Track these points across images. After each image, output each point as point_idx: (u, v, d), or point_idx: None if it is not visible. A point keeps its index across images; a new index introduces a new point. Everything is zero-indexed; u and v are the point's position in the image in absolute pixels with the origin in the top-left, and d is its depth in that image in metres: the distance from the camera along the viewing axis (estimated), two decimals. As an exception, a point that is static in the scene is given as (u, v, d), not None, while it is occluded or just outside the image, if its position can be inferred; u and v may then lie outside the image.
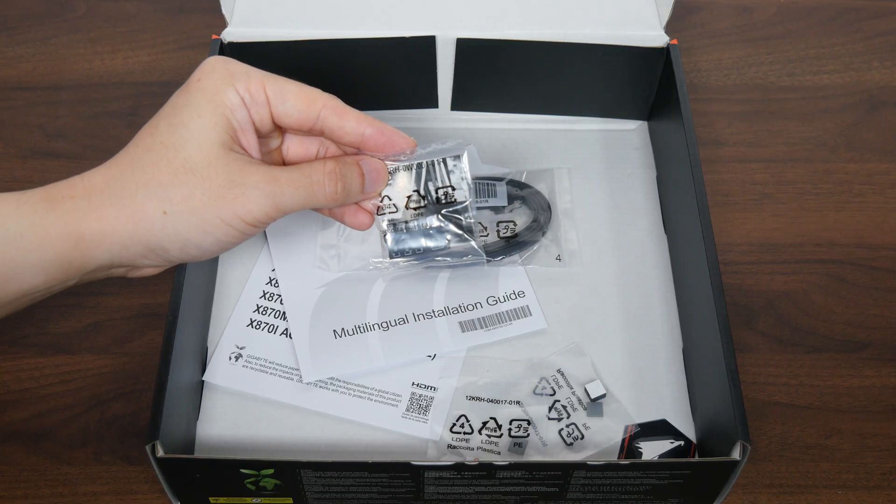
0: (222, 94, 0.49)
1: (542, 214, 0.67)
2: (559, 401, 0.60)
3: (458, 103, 0.73)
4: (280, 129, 0.54)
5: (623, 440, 0.59)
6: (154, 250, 0.48)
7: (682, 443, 0.58)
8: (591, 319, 0.64)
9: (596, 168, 0.71)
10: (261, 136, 0.52)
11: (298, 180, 0.49)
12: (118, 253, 0.47)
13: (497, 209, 0.68)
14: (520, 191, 0.68)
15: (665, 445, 0.58)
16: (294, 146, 0.54)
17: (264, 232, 0.67)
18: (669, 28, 0.68)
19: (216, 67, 0.50)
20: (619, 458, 0.58)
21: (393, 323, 0.63)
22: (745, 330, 0.65)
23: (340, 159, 0.52)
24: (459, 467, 0.51)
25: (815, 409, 0.62)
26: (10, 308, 0.48)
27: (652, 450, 0.58)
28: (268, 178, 0.48)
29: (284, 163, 0.54)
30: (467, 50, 0.68)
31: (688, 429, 0.59)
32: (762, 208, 0.71)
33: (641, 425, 0.59)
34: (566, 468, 0.51)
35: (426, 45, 0.68)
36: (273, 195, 0.48)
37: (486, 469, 0.51)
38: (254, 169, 0.48)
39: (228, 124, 0.49)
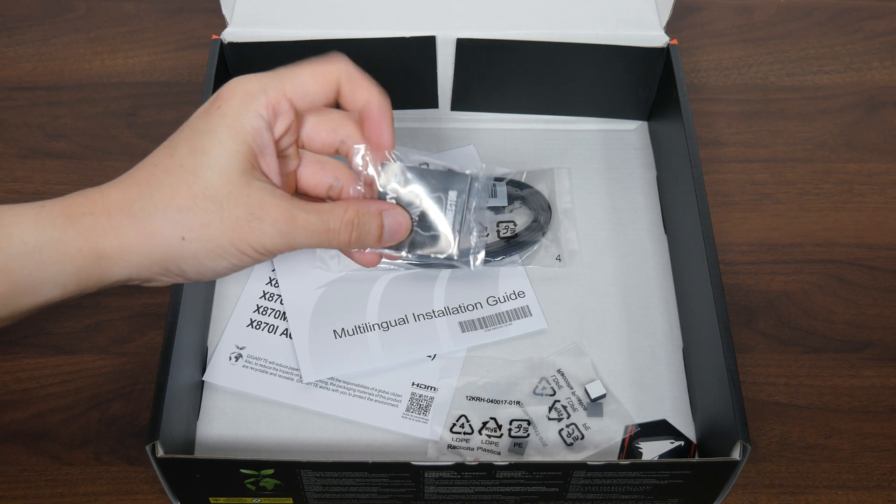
0: (243, 120, 0.49)
1: (542, 214, 0.67)
2: (559, 401, 0.60)
3: (459, 103, 0.73)
4: (297, 149, 0.54)
5: (623, 440, 0.59)
6: (171, 270, 0.48)
7: (682, 443, 0.58)
8: (591, 319, 0.64)
9: (596, 168, 0.71)
10: (283, 148, 0.52)
11: (315, 224, 0.50)
12: (136, 271, 0.48)
13: (497, 209, 0.68)
14: (520, 191, 0.68)
15: (665, 445, 0.58)
16: (307, 175, 0.54)
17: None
18: (669, 28, 0.68)
19: (235, 91, 0.50)
20: (619, 458, 0.58)
21: (393, 323, 0.63)
22: (745, 330, 0.65)
23: (363, 207, 0.52)
24: (459, 467, 0.51)
25: (815, 409, 0.62)
26: (25, 316, 0.48)
27: (652, 450, 0.58)
28: (286, 216, 0.48)
29: (297, 188, 0.55)
30: (467, 50, 0.68)
31: (688, 429, 0.59)
32: (762, 208, 0.71)
33: (641, 425, 0.59)
34: (566, 468, 0.51)
35: (426, 45, 0.68)
36: (288, 234, 0.49)
37: (487, 469, 0.51)
38: (274, 203, 0.49)
39: (249, 150, 0.49)
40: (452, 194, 0.54)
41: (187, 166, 0.48)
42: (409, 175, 0.54)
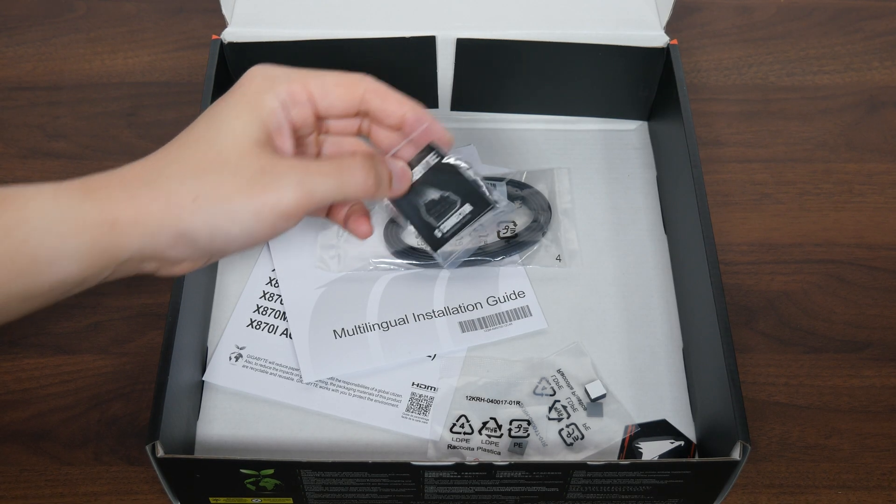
0: (261, 99, 0.50)
1: (542, 214, 0.67)
2: (559, 401, 0.60)
3: (458, 103, 0.73)
4: (318, 131, 0.55)
5: (623, 440, 0.59)
6: (182, 237, 0.48)
7: (682, 443, 0.58)
8: (591, 319, 0.64)
9: (596, 168, 0.71)
10: (301, 136, 0.53)
11: (330, 169, 0.50)
12: (148, 241, 0.48)
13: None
14: (520, 191, 0.68)
15: (665, 445, 0.58)
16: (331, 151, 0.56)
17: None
18: (669, 28, 0.68)
19: (256, 75, 0.51)
20: (619, 458, 0.58)
21: (393, 323, 0.63)
22: (745, 330, 0.65)
23: (369, 154, 0.53)
24: (459, 467, 0.51)
25: (815, 409, 0.62)
26: (43, 301, 0.48)
27: (652, 450, 0.58)
28: (299, 167, 0.49)
29: None
30: (467, 50, 0.68)
31: (688, 429, 0.59)
32: (762, 208, 0.71)
33: (641, 425, 0.59)
34: (566, 468, 0.51)
35: (426, 45, 0.68)
36: (303, 183, 0.49)
37: (487, 469, 0.51)
38: (285, 161, 0.49)
39: (265, 125, 0.50)
40: (467, 207, 0.57)
41: (202, 138, 0.49)
42: (443, 169, 0.56)
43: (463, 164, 0.57)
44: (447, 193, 0.57)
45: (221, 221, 0.48)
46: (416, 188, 0.56)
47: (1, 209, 0.45)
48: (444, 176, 0.56)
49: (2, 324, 0.47)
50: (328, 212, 0.57)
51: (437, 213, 0.57)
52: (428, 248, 0.58)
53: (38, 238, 0.45)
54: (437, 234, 0.57)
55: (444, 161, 0.56)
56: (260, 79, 0.51)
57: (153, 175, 0.48)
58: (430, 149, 0.55)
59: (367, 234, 0.56)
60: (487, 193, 0.57)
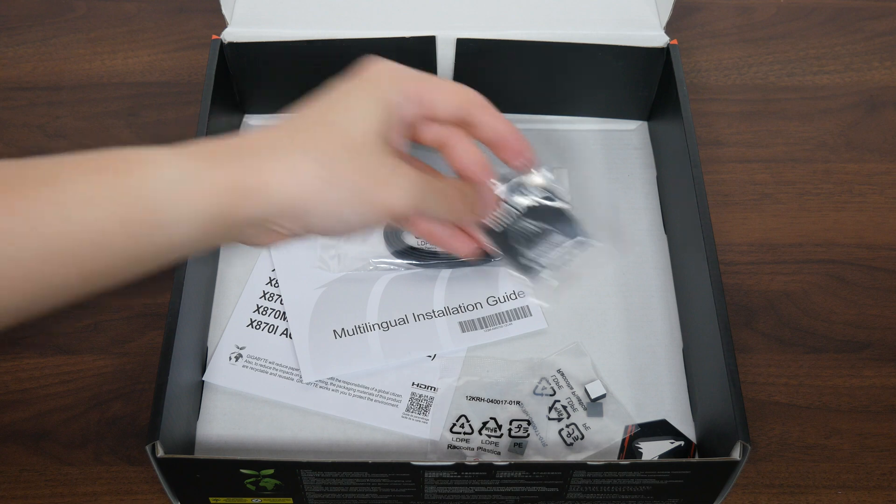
0: (385, 91, 0.51)
1: (542, 214, 0.67)
2: (559, 401, 0.60)
3: (458, 103, 0.73)
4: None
5: (623, 440, 0.59)
6: (299, 212, 0.48)
7: (682, 443, 0.58)
8: (591, 319, 0.64)
9: (596, 168, 0.71)
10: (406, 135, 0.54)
11: (446, 190, 0.52)
12: (267, 210, 0.47)
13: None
14: (520, 191, 0.68)
15: (665, 445, 0.58)
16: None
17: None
18: (669, 28, 0.68)
19: (380, 67, 0.52)
20: (619, 458, 0.58)
21: (393, 323, 0.63)
22: (745, 330, 0.65)
23: (481, 182, 0.54)
24: (459, 467, 0.51)
25: (815, 409, 0.62)
26: (154, 265, 0.47)
27: (652, 450, 0.58)
28: (418, 177, 0.50)
29: None
30: (467, 50, 0.68)
31: (688, 429, 0.59)
32: (762, 208, 0.71)
33: (641, 425, 0.59)
34: (566, 468, 0.51)
35: (426, 45, 0.68)
36: (420, 194, 0.50)
37: (486, 469, 0.51)
38: (406, 165, 0.50)
39: (387, 118, 0.50)
40: (559, 237, 0.57)
41: (327, 119, 0.49)
42: (540, 198, 0.56)
43: (556, 197, 0.57)
44: (539, 223, 0.57)
45: (342, 206, 0.48)
46: (509, 216, 0.56)
47: (123, 171, 0.45)
48: (535, 204, 0.56)
49: (113, 287, 0.45)
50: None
51: (527, 241, 0.57)
52: (523, 277, 0.58)
53: (160, 197, 0.45)
54: (525, 261, 0.57)
55: (536, 187, 0.56)
56: (387, 74, 0.51)
57: (280, 146, 0.47)
58: (521, 173, 0.56)
59: (472, 251, 0.56)
60: (577, 222, 0.57)
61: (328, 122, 0.49)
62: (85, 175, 0.45)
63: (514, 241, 0.57)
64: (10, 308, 0.44)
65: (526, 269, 0.57)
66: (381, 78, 0.51)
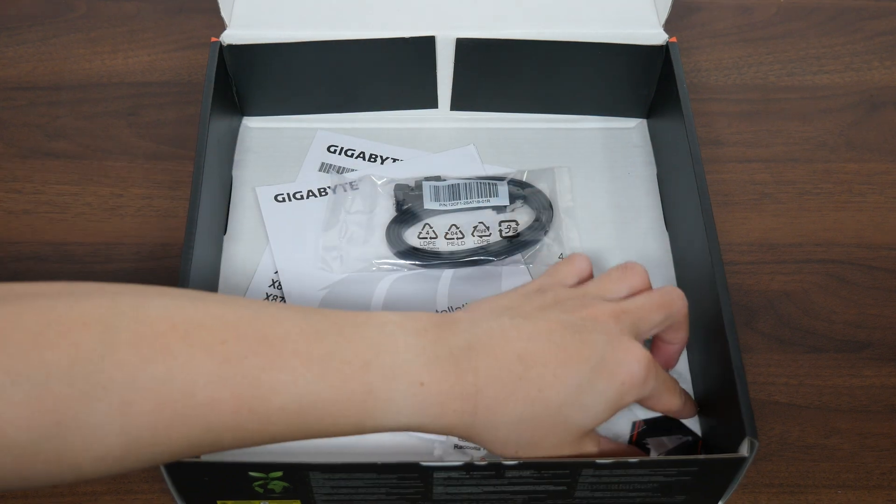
0: (626, 398, 0.50)
1: (543, 213, 0.67)
2: (560, 401, 0.60)
3: (458, 103, 0.73)
4: None
5: (630, 437, 0.58)
6: (469, 435, 0.50)
7: (689, 437, 0.58)
8: (592, 319, 0.64)
9: (597, 166, 0.71)
10: None
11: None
12: (466, 437, 0.49)
13: (499, 209, 0.68)
14: (521, 190, 0.68)
15: (674, 441, 0.58)
16: None
17: (266, 234, 0.67)
18: (669, 28, 0.68)
19: (636, 374, 0.49)
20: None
21: (393, 323, 0.63)
22: (745, 330, 0.65)
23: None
24: (469, 467, 0.51)
25: (815, 408, 0.62)
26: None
27: (660, 446, 0.58)
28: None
29: None
30: (467, 50, 0.69)
31: (692, 426, 0.59)
32: (762, 208, 0.71)
33: (648, 421, 0.59)
34: (574, 467, 0.51)
35: (426, 46, 0.68)
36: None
37: (495, 469, 0.51)
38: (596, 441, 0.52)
39: (609, 416, 0.50)
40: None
41: (564, 415, 0.49)
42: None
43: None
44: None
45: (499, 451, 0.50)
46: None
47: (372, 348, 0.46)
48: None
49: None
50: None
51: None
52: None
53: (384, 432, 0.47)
54: None
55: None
56: (640, 381, 0.50)
57: (501, 421, 0.48)
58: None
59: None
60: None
61: (562, 416, 0.48)
62: (326, 392, 0.46)
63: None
64: (183, 451, 0.45)
65: None
66: (633, 386, 0.49)
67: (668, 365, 0.57)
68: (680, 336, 0.55)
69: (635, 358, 0.49)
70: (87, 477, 0.43)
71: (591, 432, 0.51)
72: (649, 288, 0.54)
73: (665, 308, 0.52)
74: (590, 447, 0.51)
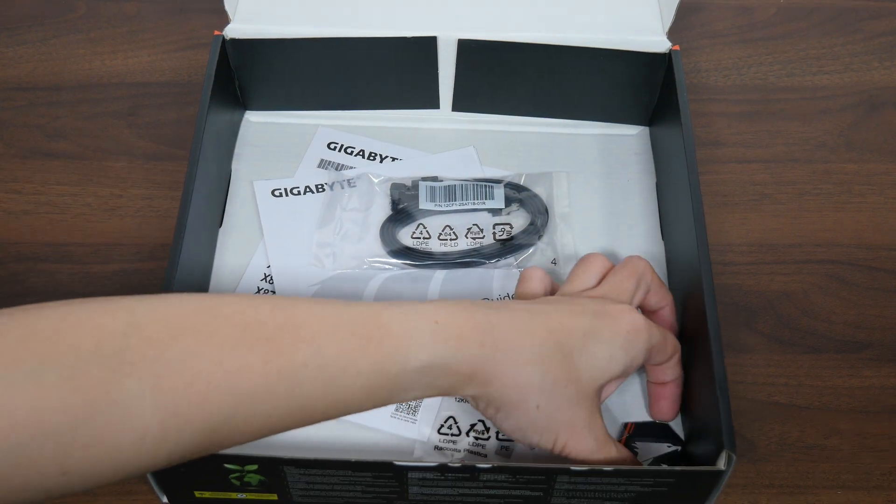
0: (636, 351, 0.53)
1: (538, 218, 0.67)
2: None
3: (460, 104, 0.73)
4: None
5: (620, 439, 0.58)
6: (485, 406, 0.51)
7: (678, 448, 0.58)
8: (590, 320, 0.64)
9: (595, 172, 0.71)
10: None
11: (616, 458, 0.53)
12: (475, 392, 0.50)
13: (494, 211, 0.68)
14: (517, 193, 0.68)
15: (661, 449, 0.58)
16: None
17: (260, 228, 0.67)
18: (669, 29, 0.68)
19: (639, 324, 0.53)
20: None
21: (392, 323, 0.63)
22: (744, 330, 0.65)
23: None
24: (443, 468, 0.51)
25: (815, 409, 0.62)
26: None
27: (647, 451, 0.58)
28: (599, 445, 0.52)
29: None
30: (469, 51, 0.68)
31: (679, 432, 0.59)
32: (762, 208, 0.71)
33: (638, 425, 0.59)
34: (550, 472, 0.51)
35: (428, 46, 0.68)
36: (584, 458, 0.52)
37: (470, 471, 0.51)
38: (603, 432, 0.53)
39: (618, 376, 0.53)
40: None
41: (574, 360, 0.51)
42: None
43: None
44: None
45: (520, 427, 0.51)
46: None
47: (381, 341, 0.47)
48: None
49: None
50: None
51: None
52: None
53: (407, 379, 0.48)
54: None
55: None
56: (644, 338, 0.53)
57: (518, 353, 0.50)
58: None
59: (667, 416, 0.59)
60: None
61: (573, 364, 0.51)
62: (345, 340, 0.47)
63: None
64: (226, 445, 0.46)
65: None
66: (638, 331, 0.52)
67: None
68: (661, 297, 0.58)
69: (630, 310, 0.53)
70: (130, 466, 0.43)
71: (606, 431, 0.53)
72: (612, 267, 0.58)
73: (632, 274, 0.56)
74: (600, 422, 0.52)
